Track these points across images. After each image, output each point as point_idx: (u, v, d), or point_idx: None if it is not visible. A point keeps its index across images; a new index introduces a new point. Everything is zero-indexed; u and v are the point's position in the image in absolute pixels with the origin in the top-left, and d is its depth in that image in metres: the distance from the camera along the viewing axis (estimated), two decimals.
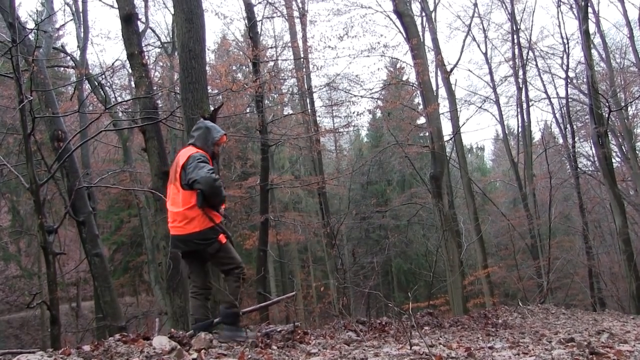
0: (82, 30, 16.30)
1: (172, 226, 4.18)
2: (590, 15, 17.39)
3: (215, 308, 4.64)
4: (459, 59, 28.99)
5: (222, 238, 4.13)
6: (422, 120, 21.35)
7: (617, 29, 23.23)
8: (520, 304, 9.88)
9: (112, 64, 17.15)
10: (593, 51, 18.50)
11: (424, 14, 19.48)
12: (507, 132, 25.78)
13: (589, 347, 3.21)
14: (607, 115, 15.69)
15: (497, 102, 23.48)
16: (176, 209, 4.11)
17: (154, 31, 20.21)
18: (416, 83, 17.37)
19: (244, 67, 19.63)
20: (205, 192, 4.00)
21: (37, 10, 18.16)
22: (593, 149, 19.65)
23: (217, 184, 4.01)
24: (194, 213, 4.05)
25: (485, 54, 23.47)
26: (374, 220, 25.79)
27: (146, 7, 18.69)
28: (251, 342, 3.80)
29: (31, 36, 9.58)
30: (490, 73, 23.55)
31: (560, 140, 23.82)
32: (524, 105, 22.29)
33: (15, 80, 6.59)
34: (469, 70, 33.46)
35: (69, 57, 16.81)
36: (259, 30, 14.96)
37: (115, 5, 10.41)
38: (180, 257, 8.39)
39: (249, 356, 3.09)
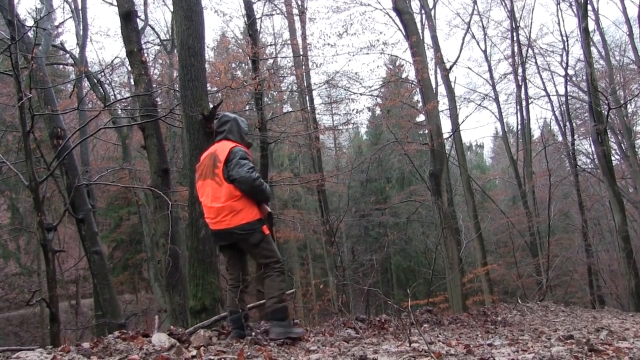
0: (81, 27, 16.29)
1: (215, 221, 4.04)
2: (590, 13, 17.38)
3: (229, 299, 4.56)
4: (459, 57, 29.25)
5: (265, 229, 4.06)
6: (421, 117, 21.38)
7: (616, 27, 23.31)
8: (519, 301, 9.88)
9: (112, 61, 17.14)
10: (592, 49, 18.52)
11: (423, 11, 19.47)
12: (506, 129, 25.79)
13: (588, 344, 3.22)
14: (606, 113, 15.68)
15: (496, 100, 23.50)
16: (219, 204, 3.99)
17: (153, 29, 20.24)
18: (415, 80, 17.35)
19: (243, 65, 19.60)
20: (245, 192, 3.96)
21: (36, 8, 18.16)
22: (592, 146, 19.65)
23: (257, 183, 3.95)
24: (241, 205, 3.98)
25: (484, 52, 23.51)
26: (374, 218, 25.81)
27: (145, 4, 18.74)
28: (250, 339, 3.80)
29: (30, 34, 9.57)
30: (490, 70, 23.58)
31: (560, 138, 23.82)
32: (524, 103, 22.30)
33: (15, 78, 6.59)
34: (469, 67, 33.77)
35: (68, 55, 16.80)
36: (258, 27, 14.95)
37: (115, 2, 10.42)
38: (179, 254, 8.44)
39: (248, 353, 3.09)
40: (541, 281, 14.82)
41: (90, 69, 16.47)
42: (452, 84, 19.26)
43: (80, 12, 16.64)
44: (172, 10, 13.01)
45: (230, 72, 15.74)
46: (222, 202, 3.97)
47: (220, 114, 4.48)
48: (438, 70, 19.66)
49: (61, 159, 8.83)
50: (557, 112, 23.11)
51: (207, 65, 9.89)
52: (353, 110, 27.91)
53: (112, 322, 9.51)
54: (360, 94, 18.24)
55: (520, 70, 22.06)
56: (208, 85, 9.60)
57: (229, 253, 4.25)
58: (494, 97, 23.51)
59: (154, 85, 11.37)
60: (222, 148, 4.13)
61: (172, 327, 4.17)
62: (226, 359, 2.92)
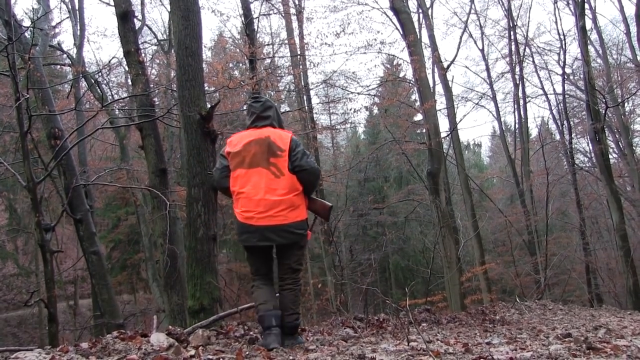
0: (78, 28, 16.28)
1: (265, 215, 3.59)
2: (587, 12, 17.39)
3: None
4: (456, 56, 29.27)
5: (309, 232, 3.88)
6: (419, 117, 21.33)
7: (613, 25, 23.43)
8: (517, 300, 9.90)
9: (109, 61, 17.13)
10: (590, 47, 18.53)
11: (420, 10, 19.46)
12: (504, 128, 25.85)
13: (586, 342, 3.22)
14: (603, 112, 15.71)
15: (494, 99, 23.53)
16: (275, 197, 3.59)
17: (150, 29, 20.18)
18: (413, 80, 17.35)
19: (240, 65, 19.58)
20: (310, 183, 3.75)
21: (33, 8, 18.13)
22: (590, 145, 19.69)
23: (320, 175, 3.87)
24: (299, 200, 3.70)
25: (482, 51, 23.53)
26: (372, 217, 25.80)
27: (142, 4, 18.65)
28: (249, 338, 3.80)
29: (27, 34, 9.54)
30: (487, 69, 23.61)
31: (557, 137, 23.90)
32: (521, 102, 22.34)
33: (12, 78, 6.58)
34: (466, 66, 33.82)
35: (65, 55, 16.76)
36: (255, 27, 14.92)
37: (112, 2, 10.39)
38: (177, 254, 8.41)
39: (247, 353, 3.09)
40: (539, 280, 14.84)
41: (87, 69, 16.44)
42: (450, 83, 19.25)
43: (77, 12, 16.61)
44: (169, 10, 12.96)
45: (227, 71, 15.74)
46: (281, 195, 3.61)
47: (263, 98, 3.99)
48: (435, 69, 19.65)
49: (59, 160, 8.81)
50: (554, 111, 23.20)
51: (204, 65, 9.86)
52: (351, 109, 27.68)
53: (111, 322, 9.49)
54: (358, 94, 18.24)
55: (517, 69, 22.08)
56: (206, 85, 9.57)
57: (263, 254, 3.87)
58: (491, 96, 23.56)
59: (152, 85, 11.36)
60: (278, 135, 3.73)
61: (170, 327, 4.17)
62: (225, 358, 2.92)
